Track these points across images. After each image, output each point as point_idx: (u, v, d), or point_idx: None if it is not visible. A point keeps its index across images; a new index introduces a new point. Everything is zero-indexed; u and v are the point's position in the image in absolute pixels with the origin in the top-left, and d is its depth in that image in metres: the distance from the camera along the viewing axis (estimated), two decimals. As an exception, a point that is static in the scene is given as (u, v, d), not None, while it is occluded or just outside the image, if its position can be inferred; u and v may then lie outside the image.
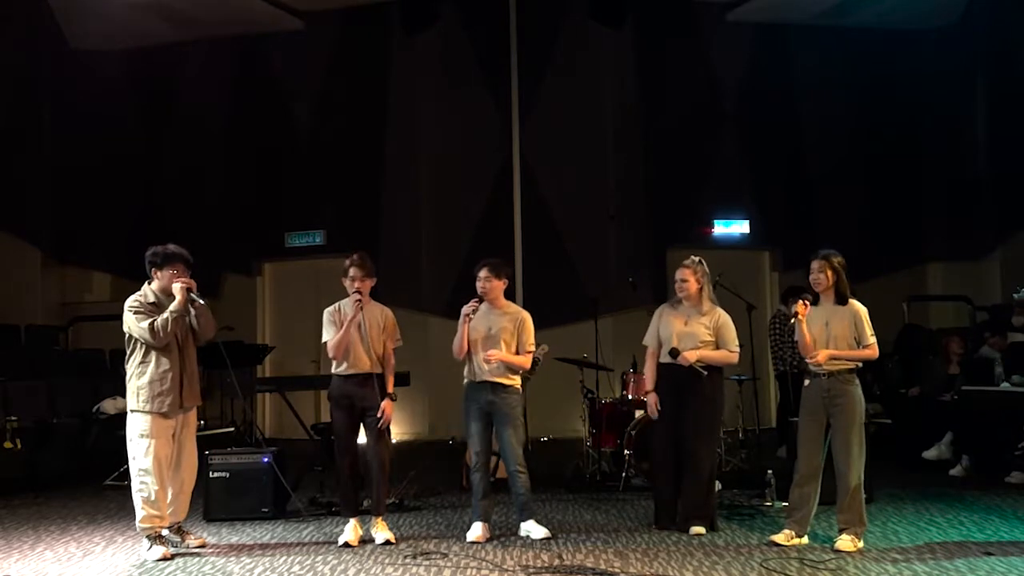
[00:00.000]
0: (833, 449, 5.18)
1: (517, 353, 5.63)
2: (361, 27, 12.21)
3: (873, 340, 5.18)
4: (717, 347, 5.62)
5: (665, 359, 5.66)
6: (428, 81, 12.00)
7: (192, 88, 12.41)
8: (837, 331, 5.21)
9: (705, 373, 5.53)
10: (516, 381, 5.68)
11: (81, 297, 12.17)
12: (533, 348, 5.75)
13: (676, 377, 5.59)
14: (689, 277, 5.65)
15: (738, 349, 5.69)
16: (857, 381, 5.19)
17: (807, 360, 5.30)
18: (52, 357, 10.43)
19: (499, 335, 5.58)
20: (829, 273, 5.25)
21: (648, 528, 5.66)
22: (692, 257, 5.76)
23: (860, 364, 5.24)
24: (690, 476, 5.58)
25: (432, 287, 11.73)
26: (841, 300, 5.25)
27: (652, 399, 5.71)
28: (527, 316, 5.72)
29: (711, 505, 5.68)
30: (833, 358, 5.17)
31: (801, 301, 5.33)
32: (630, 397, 7.40)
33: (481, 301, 5.59)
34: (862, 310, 5.23)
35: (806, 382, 5.33)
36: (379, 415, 5.43)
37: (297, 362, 11.29)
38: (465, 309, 5.57)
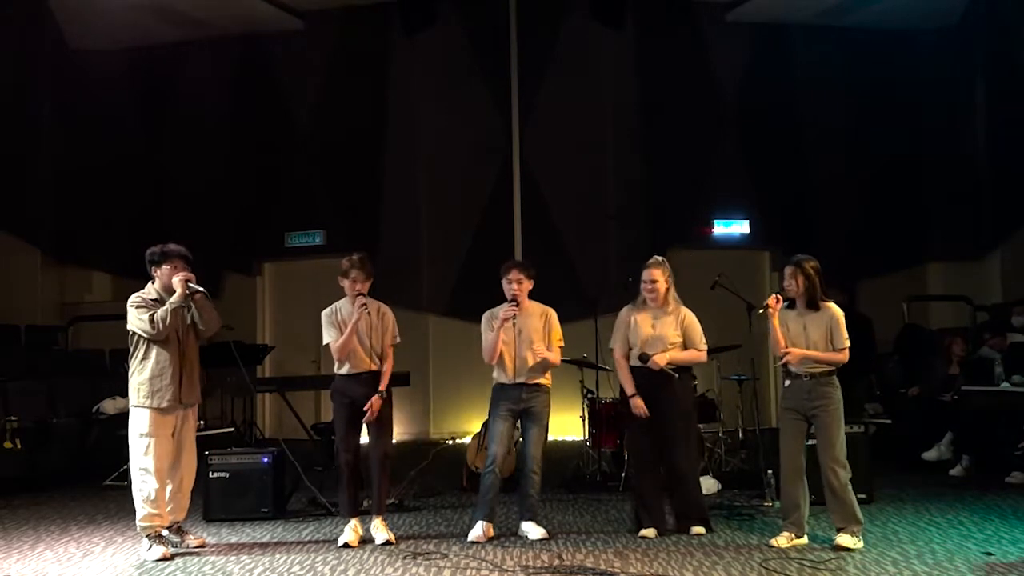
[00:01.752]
0: (818, 451, 5.21)
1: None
2: (361, 27, 12.22)
3: (846, 344, 5.18)
4: (685, 347, 5.60)
5: (635, 363, 5.62)
6: (428, 81, 12.00)
7: (192, 88, 12.42)
8: (814, 336, 5.23)
9: (677, 376, 5.51)
10: (549, 380, 5.69)
11: (81, 297, 12.18)
12: (562, 343, 5.73)
13: (647, 380, 5.56)
14: (659, 277, 5.62)
15: (706, 347, 5.68)
16: (836, 383, 5.21)
17: (779, 359, 5.31)
18: (52, 357, 10.43)
19: (531, 335, 5.59)
20: (800, 279, 5.25)
21: (634, 533, 5.56)
22: (655, 257, 5.75)
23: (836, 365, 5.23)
24: (678, 481, 5.59)
25: (432, 287, 11.73)
26: (813, 305, 5.25)
27: (638, 402, 5.54)
28: (553, 312, 5.75)
29: (704, 505, 5.71)
30: (807, 357, 5.19)
31: (774, 296, 5.34)
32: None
33: (517, 304, 5.56)
34: (838, 314, 5.24)
35: (786, 382, 5.34)
36: (365, 408, 5.43)
37: (297, 362, 11.29)
38: (504, 314, 5.53)
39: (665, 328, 5.57)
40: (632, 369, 5.63)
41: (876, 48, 11.93)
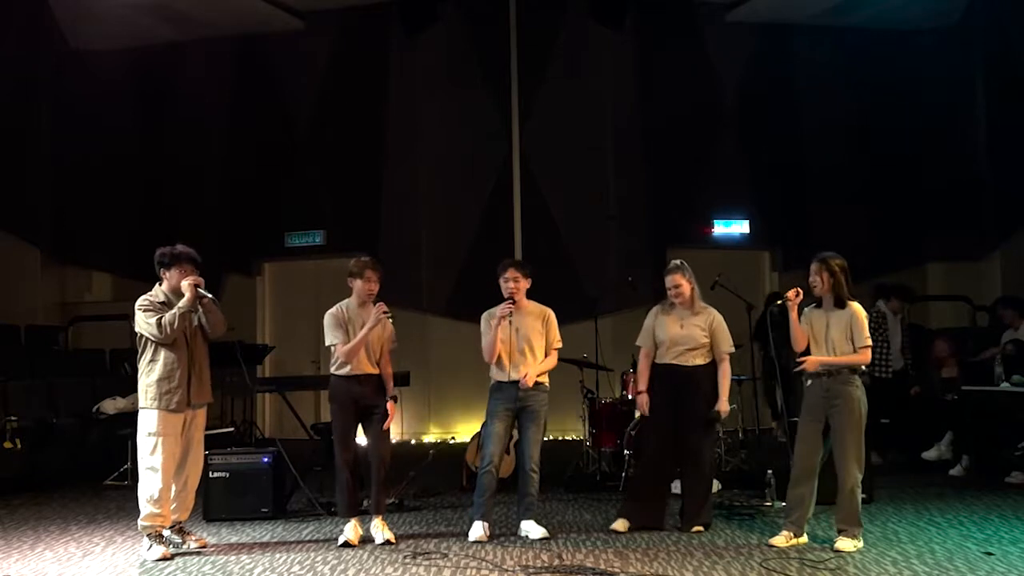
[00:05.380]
0: (833, 450, 5.19)
1: (545, 351, 5.69)
2: (361, 27, 12.22)
3: (867, 343, 5.16)
4: (712, 346, 5.65)
5: (660, 360, 5.70)
6: (428, 81, 12.00)
7: (192, 88, 12.40)
8: (835, 334, 5.21)
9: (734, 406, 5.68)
10: (547, 379, 5.70)
11: (81, 297, 12.18)
12: (560, 344, 5.76)
13: (673, 376, 5.63)
14: (681, 281, 5.68)
15: (732, 348, 5.73)
16: (857, 382, 5.17)
17: (798, 363, 5.30)
18: (52, 357, 10.42)
19: (529, 334, 5.61)
20: (825, 276, 5.24)
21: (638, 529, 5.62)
22: (674, 261, 5.80)
23: (862, 367, 5.23)
24: (694, 476, 5.64)
25: (432, 287, 11.73)
26: (839, 303, 5.24)
27: (643, 399, 5.73)
28: (551, 313, 5.77)
29: (711, 504, 5.75)
30: (824, 364, 5.18)
31: (794, 289, 5.35)
32: (630, 397, 7.40)
33: (513, 302, 5.60)
34: (860, 313, 5.21)
35: (807, 382, 5.33)
36: (384, 414, 5.49)
37: (297, 362, 11.29)
38: (501, 312, 5.57)
39: (693, 329, 5.64)
40: (658, 365, 5.71)
41: (876, 48, 11.92)
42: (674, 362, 5.63)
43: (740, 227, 12.13)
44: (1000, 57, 11.30)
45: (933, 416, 8.45)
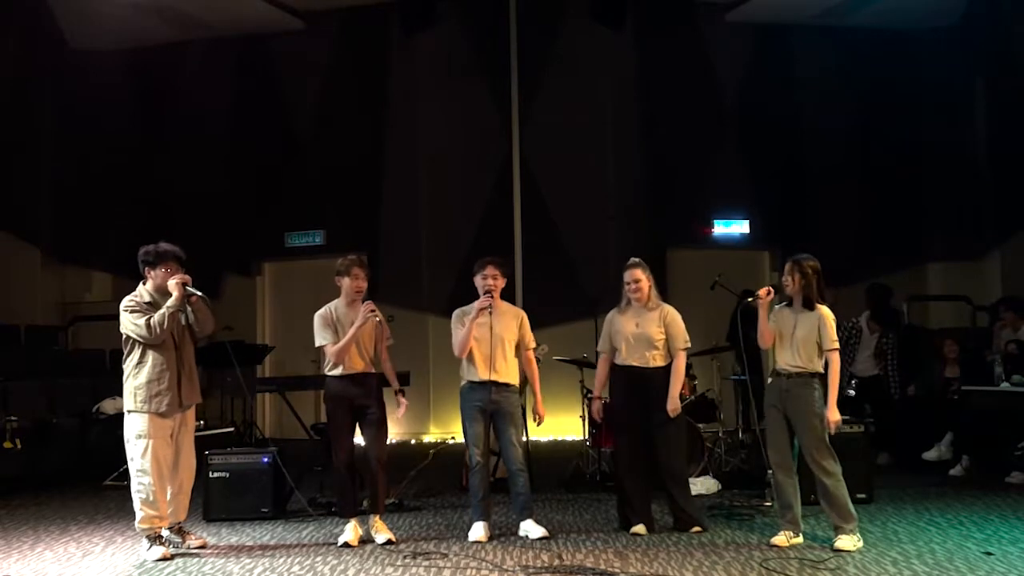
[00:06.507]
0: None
1: (517, 348, 5.69)
2: (361, 27, 12.23)
3: (834, 346, 5.17)
4: (668, 343, 5.64)
5: (619, 361, 5.70)
6: (428, 81, 12.01)
7: (192, 88, 12.41)
8: (801, 334, 5.22)
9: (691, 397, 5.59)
10: (517, 382, 5.71)
11: (81, 297, 12.18)
12: (535, 345, 5.80)
13: (634, 378, 5.64)
14: (641, 277, 5.68)
15: (688, 344, 5.71)
16: (816, 385, 5.18)
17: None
18: (52, 357, 10.42)
19: (503, 334, 5.60)
20: (797, 277, 5.25)
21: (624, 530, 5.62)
22: (633, 259, 5.79)
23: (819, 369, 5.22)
24: (672, 482, 5.62)
25: (432, 287, 11.73)
26: (808, 304, 5.25)
27: (596, 405, 5.89)
28: (525, 315, 5.79)
29: (697, 504, 5.83)
30: (795, 359, 5.19)
31: (766, 288, 5.38)
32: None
33: (491, 296, 5.59)
34: (828, 316, 5.21)
35: (768, 380, 5.38)
36: (379, 415, 5.49)
37: (297, 362, 11.27)
38: (480, 304, 5.56)
39: (648, 326, 5.64)
40: (621, 367, 5.71)
41: (876, 48, 11.92)
42: (634, 364, 5.64)
43: (740, 227, 12.14)
44: (1000, 57, 11.29)
45: (933, 416, 8.45)
